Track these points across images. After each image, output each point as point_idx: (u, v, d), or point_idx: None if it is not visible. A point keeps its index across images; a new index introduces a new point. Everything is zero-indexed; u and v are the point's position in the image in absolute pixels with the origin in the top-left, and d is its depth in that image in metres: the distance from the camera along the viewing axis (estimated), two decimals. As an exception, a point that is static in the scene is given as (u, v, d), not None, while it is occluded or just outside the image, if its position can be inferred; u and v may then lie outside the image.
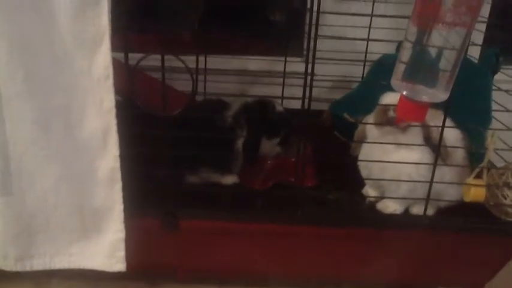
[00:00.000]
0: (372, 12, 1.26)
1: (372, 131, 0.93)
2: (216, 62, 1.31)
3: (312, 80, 0.83)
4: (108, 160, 0.82)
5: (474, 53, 1.24)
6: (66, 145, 0.82)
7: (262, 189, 1.02)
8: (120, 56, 0.83)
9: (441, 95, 0.75)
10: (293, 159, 0.96)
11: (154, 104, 0.86)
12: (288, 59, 1.27)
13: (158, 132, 0.84)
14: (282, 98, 1.15)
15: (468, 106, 0.94)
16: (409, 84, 0.75)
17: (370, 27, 1.28)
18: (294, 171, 0.93)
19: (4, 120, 0.80)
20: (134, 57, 0.84)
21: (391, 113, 0.88)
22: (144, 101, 0.86)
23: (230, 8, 1.35)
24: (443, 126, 0.85)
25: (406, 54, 0.75)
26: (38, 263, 0.89)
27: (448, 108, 0.83)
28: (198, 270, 1.04)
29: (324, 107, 1.30)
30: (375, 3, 1.28)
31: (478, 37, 1.25)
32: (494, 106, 1.05)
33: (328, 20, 1.24)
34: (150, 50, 0.84)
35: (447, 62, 0.73)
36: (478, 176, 0.94)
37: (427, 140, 0.89)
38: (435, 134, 0.87)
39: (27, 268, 0.89)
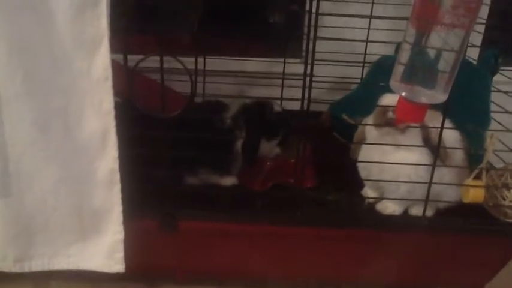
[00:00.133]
0: (371, 13, 1.27)
1: (371, 132, 0.93)
2: (215, 63, 1.31)
3: (311, 81, 0.84)
4: (107, 161, 0.82)
5: (473, 54, 1.24)
6: (65, 146, 0.82)
7: (262, 190, 1.02)
8: (119, 57, 0.83)
9: (440, 96, 0.75)
10: (292, 160, 0.96)
11: (153, 106, 0.86)
12: (287, 60, 1.27)
13: (157, 134, 0.84)
14: (281, 99, 1.15)
15: (467, 107, 0.94)
16: (408, 85, 0.75)
17: (369, 29, 1.28)
18: (293, 172, 0.93)
19: (3, 121, 0.80)
20: (133, 58, 0.84)
21: (390, 114, 0.88)
22: (143, 103, 0.86)
23: (229, 9, 1.35)
24: (442, 127, 0.85)
25: (405, 56, 0.75)
26: (37, 264, 0.89)
27: (447, 109, 0.84)
28: (197, 272, 1.04)
29: (323, 108, 1.30)
30: (374, 5, 1.28)
31: (476, 38, 1.25)
32: (493, 107, 1.05)
33: (327, 22, 1.23)
34: (149, 51, 0.84)
35: (446, 63, 0.73)
36: (477, 177, 0.94)
37: (426, 141, 0.89)
38: (434, 135, 0.88)
39: (26, 269, 0.89)
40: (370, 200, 0.98)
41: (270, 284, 1.07)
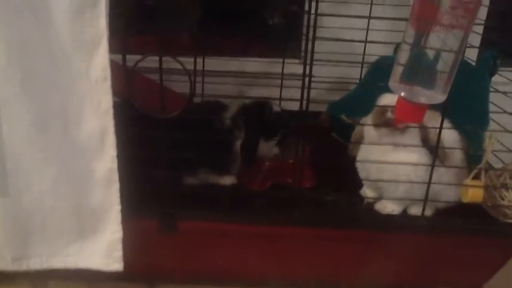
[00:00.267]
0: (370, 14, 1.27)
1: (369, 132, 0.93)
2: (214, 63, 1.31)
3: (310, 81, 0.84)
4: (106, 161, 0.82)
5: (472, 55, 1.24)
6: (64, 146, 0.82)
7: (261, 190, 1.02)
8: (118, 57, 0.83)
9: (439, 96, 0.75)
10: (291, 161, 0.96)
11: (152, 106, 0.86)
12: (286, 60, 1.27)
13: (156, 134, 0.84)
14: (280, 99, 1.15)
15: (466, 108, 0.94)
16: (407, 85, 0.75)
17: (368, 29, 1.29)
18: (292, 173, 0.94)
19: (1, 121, 0.79)
20: (132, 58, 0.84)
21: (389, 114, 0.88)
22: (142, 103, 0.86)
23: (228, 9, 1.35)
24: (441, 128, 0.85)
25: (404, 56, 0.75)
26: (35, 263, 0.89)
27: (445, 109, 0.84)
28: (196, 272, 1.04)
29: (322, 108, 1.30)
30: (373, 5, 1.28)
31: (475, 39, 1.25)
32: (491, 108, 1.05)
33: (326, 22, 1.24)
34: (148, 51, 0.84)
35: (445, 64, 0.73)
36: (476, 177, 0.94)
37: (425, 142, 0.89)
38: (433, 135, 0.88)
39: (24, 268, 0.89)
40: (369, 200, 0.98)
41: (269, 284, 1.07)
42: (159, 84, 0.85)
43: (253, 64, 1.38)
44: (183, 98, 0.90)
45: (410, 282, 1.05)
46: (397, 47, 1.11)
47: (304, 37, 0.88)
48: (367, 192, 1.00)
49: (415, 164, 0.89)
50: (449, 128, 0.91)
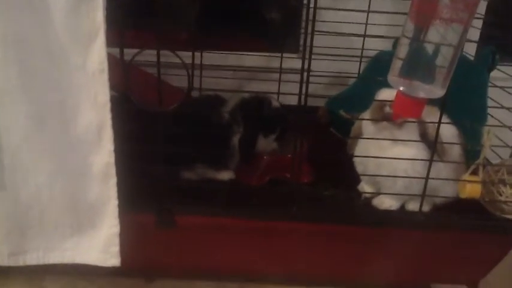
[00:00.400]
0: (369, 8, 1.26)
1: (368, 127, 0.93)
2: (212, 57, 1.30)
3: (308, 76, 0.83)
4: (103, 155, 0.82)
5: (470, 50, 1.24)
6: (61, 140, 0.81)
7: (259, 185, 1.02)
8: (116, 51, 0.82)
9: (438, 91, 0.75)
10: (289, 156, 0.96)
11: (149, 100, 0.85)
12: (284, 55, 1.26)
13: (154, 128, 0.84)
14: (278, 93, 1.15)
15: (464, 103, 0.94)
16: (406, 80, 0.75)
17: (366, 24, 1.28)
18: (290, 168, 0.93)
19: (-2, 115, 0.79)
20: (130, 52, 0.83)
21: (388, 109, 0.88)
22: (140, 97, 0.85)
23: (227, 4, 1.35)
24: (439, 123, 0.85)
25: (403, 51, 0.75)
26: (32, 258, 0.89)
27: (444, 104, 0.83)
28: (194, 266, 1.04)
29: (321, 103, 1.30)
30: (372, -1, 1.27)
31: (474, 34, 1.25)
32: (490, 103, 1.05)
33: (324, 16, 1.24)
34: (146, 45, 0.83)
35: (444, 58, 0.73)
36: (474, 172, 0.94)
37: (423, 136, 0.89)
38: (431, 130, 0.87)
39: (21, 263, 0.89)
40: (367, 195, 0.98)
41: (267, 279, 1.07)
42: (156, 78, 0.85)
43: (251, 58, 1.37)
44: (181, 92, 0.90)
45: (406, 278, 1.06)
46: (396, 41, 1.11)
47: (302, 31, 0.88)
48: (365, 187, 1.00)
49: (413, 159, 0.89)
50: (447, 123, 0.90)
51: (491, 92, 1.07)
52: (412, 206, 0.95)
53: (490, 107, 1.05)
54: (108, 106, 0.79)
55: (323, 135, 1.24)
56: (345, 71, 1.36)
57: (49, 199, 0.85)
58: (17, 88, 0.78)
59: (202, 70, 1.24)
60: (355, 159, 0.97)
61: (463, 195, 0.92)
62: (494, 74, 1.08)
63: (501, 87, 1.00)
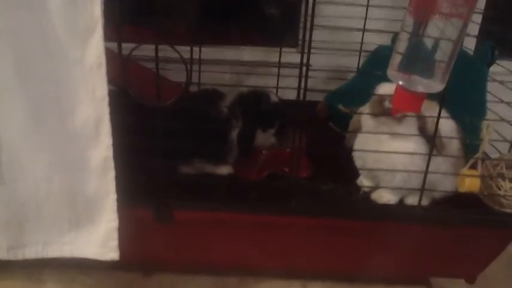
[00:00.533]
0: (368, 2, 1.26)
1: (367, 122, 0.93)
2: (210, 52, 1.30)
3: (307, 70, 0.83)
4: (101, 149, 0.82)
5: (470, 44, 1.24)
6: (59, 134, 0.81)
7: (257, 179, 1.01)
8: (114, 45, 0.82)
9: (437, 85, 0.75)
10: (288, 150, 0.96)
11: (147, 94, 0.85)
12: (283, 49, 1.26)
13: (152, 122, 0.84)
14: (277, 88, 1.14)
15: (463, 98, 0.94)
16: (405, 74, 0.75)
17: (366, 18, 1.28)
18: (288, 162, 0.93)
19: (-5, 109, 0.79)
20: (128, 47, 0.83)
21: (387, 104, 0.88)
22: (138, 91, 0.85)
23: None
24: (438, 117, 0.85)
25: (402, 45, 0.74)
26: (30, 252, 0.89)
27: (443, 99, 0.83)
28: (192, 261, 1.04)
29: (320, 97, 1.30)
30: (371, -6, 1.27)
31: (473, 29, 1.25)
32: (489, 97, 1.05)
33: (324, 11, 1.23)
34: (144, 40, 0.83)
35: (443, 53, 0.73)
36: (473, 166, 0.94)
37: (422, 131, 0.89)
38: (430, 124, 0.87)
39: (20, 257, 0.89)
40: (366, 189, 0.98)
41: (265, 273, 1.07)
42: (154, 73, 0.85)
43: (250, 53, 1.37)
44: (179, 87, 0.90)
45: (405, 272, 1.06)
46: (395, 36, 1.11)
47: (301, 26, 0.88)
48: (364, 181, 1.00)
49: (412, 153, 0.89)
50: (446, 118, 0.90)
51: (491, 86, 1.07)
52: (411, 200, 0.95)
53: (489, 102, 1.05)
54: (106, 100, 0.79)
55: (322, 130, 1.24)
56: (344, 66, 1.36)
57: (47, 193, 0.85)
58: (14, 82, 0.78)
59: (201, 65, 1.24)
60: (354, 154, 0.97)
61: (462, 190, 0.93)
62: (493, 68, 1.08)
63: (500, 82, 1.00)
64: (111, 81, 0.79)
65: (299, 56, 0.83)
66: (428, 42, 0.73)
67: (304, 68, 0.83)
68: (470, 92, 1.04)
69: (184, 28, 1.40)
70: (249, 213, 0.93)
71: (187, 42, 1.07)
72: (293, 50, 1.40)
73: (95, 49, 0.76)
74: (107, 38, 0.77)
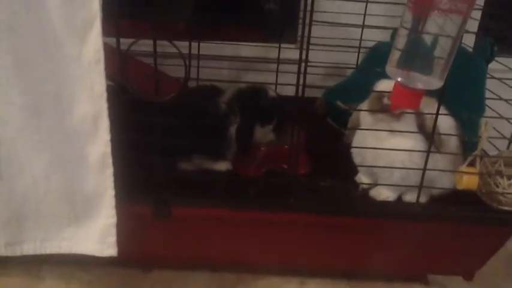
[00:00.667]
0: (367, -2, 1.25)
1: (365, 118, 0.93)
2: (209, 48, 1.30)
3: (306, 67, 0.83)
4: (99, 145, 0.82)
5: (469, 41, 1.23)
6: (57, 130, 0.81)
7: (256, 176, 1.01)
8: (112, 41, 0.81)
9: (436, 82, 0.75)
10: (286, 147, 0.96)
11: (146, 90, 0.85)
12: (282, 45, 1.26)
13: (150, 118, 0.84)
14: (276, 84, 1.14)
15: (462, 95, 0.94)
16: (404, 71, 0.74)
17: (365, 14, 1.27)
18: (287, 159, 0.93)
19: (-7, 105, 0.79)
20: (126, 42, 0.83)
21: (386, 100, 0.88)
22: (136, 87, 0.85)
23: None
24: (437, 114, 0.85)
25: (401, 41, 0.74)
26: (29, 248, 0.89)
27: (442, 96, 0.83)
28: (191, 258, 1.04)
29: (318, 94, 1.29)
30: (370, -10, 1.27)
31: (473, 25, 1.24)
32: (487, 94, 1.05)
33: (322, 7, 1.23)
34: (142, 35, 0.82)
35: (442, 49, 0.73)
36: (471, 164, 0.94)
37: (421, 128, 0.89)
38: (429, 121, 0.87)
39: (18, 253, 0.89)
40: (364, 186, 0.98)
41: (264, 269, 1.07)
42: (153, 68, 0.84)
43: (249, 49, 1.37)
44: (178, 82, 0.89)
45: (403, 269, 1.06)
46: (394, 32, 1.10)
47: (300, 22, 0.87)
48: (362, 178, 1.00)
49: (410, 150, 0.88)
50: (445, 115, 0.90)
51: (490, 83, 1.06)
52: (409, 197, 0.95)
53: (488, 99, 1.04)
54: (104, 96, 0.79)
55: (320, 126, 1.24)
56: (343, 62, 1.35)
57: (45, 190, 0.84)
58: (12, 78, 0.77)
59: (200, 60, 1.24)
60: (353, 150, 0.97)
61: (460, 187, 0.93)
62: (492, 65, 1.08)
63: (499, 79, 1.00)
64: (109, 76, 0.79)
65: (298, 52, 0.82)
66: (428, 39, 0.73)
67: (303, 64, 0.83)
68: (469, 89, 1.04)
69: (183, 23, 1.40)
70: (247, 210, 0.93)
71: (186, 37, 1.07)
72: (292, 46, 1.39)
73: (93, 45, 0.76)
74: (105, 33, 0.76)
